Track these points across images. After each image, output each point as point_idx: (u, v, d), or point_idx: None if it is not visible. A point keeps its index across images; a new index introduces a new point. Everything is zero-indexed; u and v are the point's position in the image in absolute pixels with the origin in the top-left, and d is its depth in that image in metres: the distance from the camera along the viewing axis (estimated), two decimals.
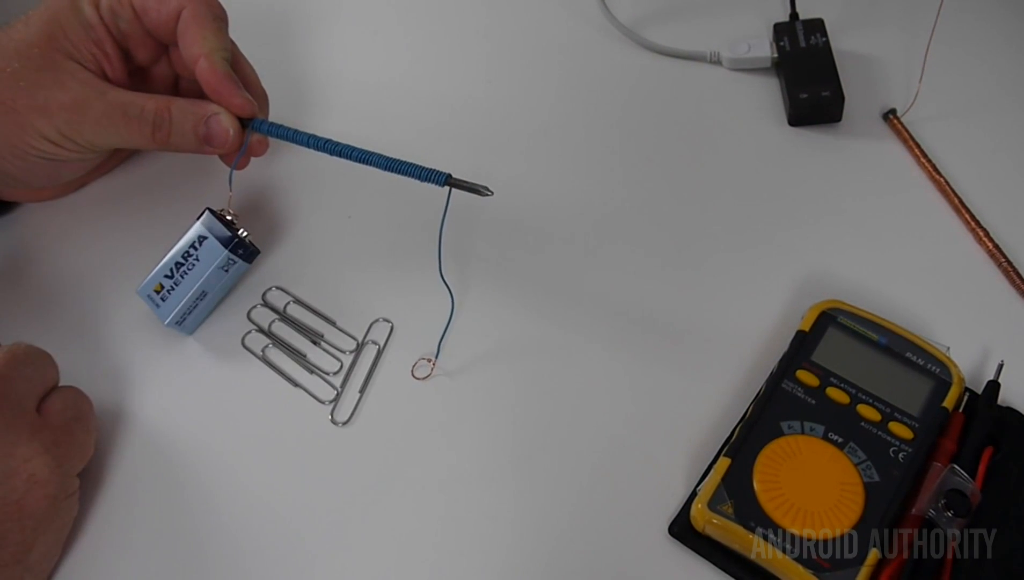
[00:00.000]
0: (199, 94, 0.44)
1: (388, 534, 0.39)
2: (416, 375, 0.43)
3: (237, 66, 0.46)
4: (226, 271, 0.44)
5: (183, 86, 0.48)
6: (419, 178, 0.40)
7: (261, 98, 0.47)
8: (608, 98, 0.54)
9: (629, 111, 0.53)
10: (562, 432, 0.41)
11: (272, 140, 0.45)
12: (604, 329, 0.44)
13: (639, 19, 0.56)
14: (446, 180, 0.40)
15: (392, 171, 0.41)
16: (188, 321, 0.44)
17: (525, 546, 0.39)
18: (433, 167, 0.40)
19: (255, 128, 0.44)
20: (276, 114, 0.48)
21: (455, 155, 0.51)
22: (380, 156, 0.41)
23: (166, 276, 0.44)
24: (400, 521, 0.39)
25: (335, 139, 0.42)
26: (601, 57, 0.55)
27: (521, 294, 0.46)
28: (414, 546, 0.39)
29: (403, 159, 0.41)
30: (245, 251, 0.44)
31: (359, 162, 0.42)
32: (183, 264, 0.43)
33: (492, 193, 0.40)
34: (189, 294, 0.43)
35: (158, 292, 0.44)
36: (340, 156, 0.42)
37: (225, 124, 0.43)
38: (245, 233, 0.44)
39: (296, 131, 0.43)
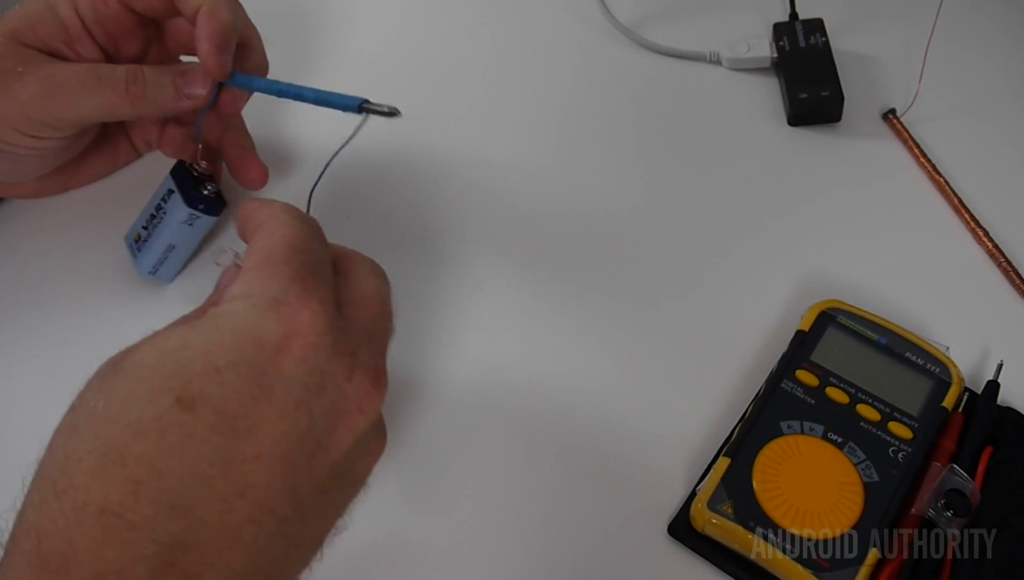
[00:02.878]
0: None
1: (387, 534, 0.39)
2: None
3: (242, 28, 0.44)
4: (190, 225, 0.44)
5: (169, 129, 0.47)
6: (335, 105, 0.39)
7: (260, 69, 0.46)
8: (607, 98, 0.54)
9: (628, 111, 0.53)
10: (561, 431, 0.41)
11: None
12: (603, 328, 0.44)
13: (639, 19, 0.56)
14: (360, 105, 0.39)
15: (308, 101, 0.40)
16: (161, 271, 0.45)
17: (524, 546, 0.39)
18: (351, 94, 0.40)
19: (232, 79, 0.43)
20: None
21: (455, 155, 0.51)
22: (297, 87, 0.41)
23: (143, 226, 0.44)
24: (399, 520, 0.39)
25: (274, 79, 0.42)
26: (601, 57, 0.55)
27: (519, 293, 0.46)
28: (412, 545, 0.39)
29: (318, 88, 0.40)
30: (208, 205, 0.44)
31: (294, 98, 0.41)
32: (155, 216, 0.44)
33: (400, 114, 0.38)
34: (159, 246, 0.44)
35: (137, 241, 0.45)
36: (281, 95, 0.41)
37: (202, 73, 0.42)
38: (211, 188, 0.44)
39: (253, 78, 0.43)
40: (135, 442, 0.27)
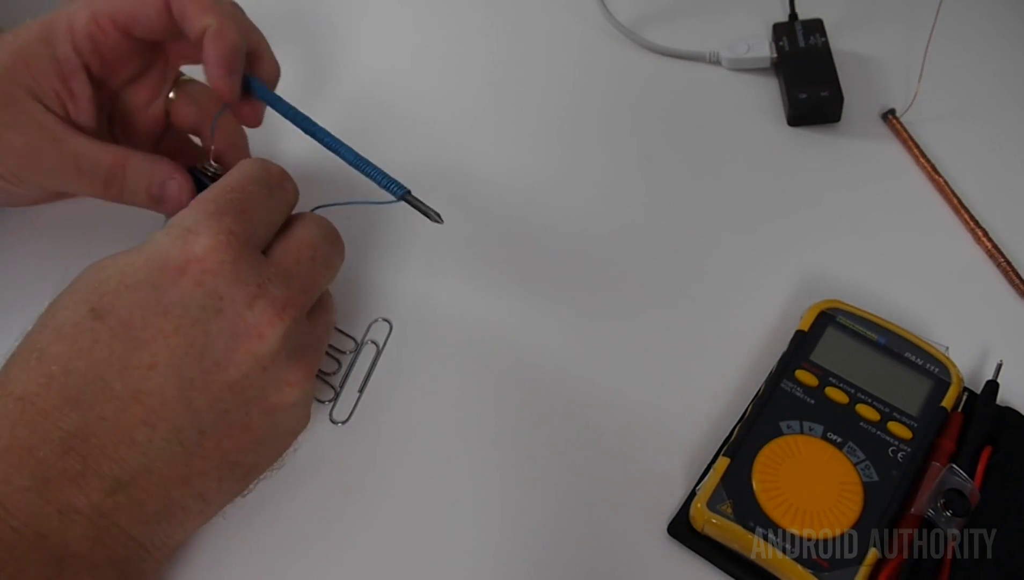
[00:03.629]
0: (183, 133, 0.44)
1: (387, 533, 0.39)
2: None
3: (247, 36, 0.43)
4: None
5: (169, 134, 0.46)
6: (378, 182, 0.40)
7: (272, 76, 0.45)
8: (607, 98, 0.54)
9: (628, 111, 0.53)
10: (561, 431, 0.41)
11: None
12: (603, 328, 0.44)
13: (639, 19, 0.56)
14: (402, 195, 0.40)
15: (356, 167, 0.40)
16: None
17: (524, 545, 0.39)
18: (396, 178, 0.40)
19: (252, 88, 0.42)
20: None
21: (454, 154, 0.51)
22: (349, 149, 0.40)
23: None
24: (399, 520, 0.39)
25: (315, 120, 0.42)
26: (600, 57, 0.56)
27: (519, 293, 0.46)
28: (412, 545, 0.39)
29: (370, 160, 0.40)
30: None
31: (329, 149, 0.41)
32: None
33: (442, 221, 0.40)
34: None
35: None
36: (313, 137, 0.41)
37: (178, 190, 0.41)
38: None
39: (281, 100, 0.42)
40: (54, 343, 0.32)
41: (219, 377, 0.33)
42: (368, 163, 0.40)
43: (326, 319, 0.38)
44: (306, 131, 0.41)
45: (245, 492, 0.36)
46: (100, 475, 0.31)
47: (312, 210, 0.40)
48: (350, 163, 0.40)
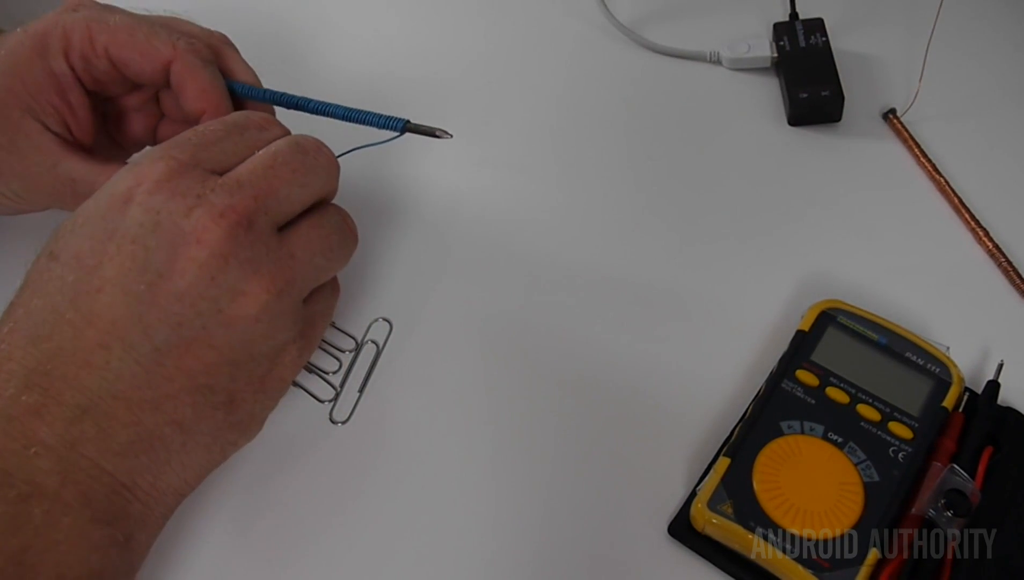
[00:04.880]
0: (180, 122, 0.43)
1: (387, 533, 0.39)
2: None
3: (238, 75, 0.44)
4: None
5: (162, 128, 0.46)
6: (376, 125, 0.39)
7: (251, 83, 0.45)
8: (607, 98, 0.54)
9: (628, 111, 0.53)
10: (561, 431, 0.41)
11: None
12: (602, 328, 0.44)
13: (639, 19, 0.56)
14: (404, 127, 0.39)
15: (351, 119, 0.40)
16: None
17: (524, 545, 0.39)
18: (391, 114, 0.40)
19: (236, 92, 0.43)
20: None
21: (454, 154, 0.51)
22: (338, 106, 0.40)
23: None
24: (399, 520, 0.39)
25: (293, 93, 0.42)
26: (601, 57, 0.55)
27: (519, 293, 0.46)
28: (412, 545, 0.39)
29: (360, 108, 0.40)
30: None
31: (317, 113, 0.41)
32: None
33: (452, 136, 0.39)
34: None
35: None
36: (300, 108, 0.41)
37: None
38: None
39: (260, 90, 0.42)
40: (20, 294, 0.34)
41: (164, 288, 0.32)
42: (361, 111, 0.40)
43: (308, 238, 0.36)
44: (291, 106, 0.41)
45: (248, 432, 0.36)
46: (61, 403, 0.31)
47: None
48: (343, 117, 0.40)
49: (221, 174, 0.35)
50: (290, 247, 0.35)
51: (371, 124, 0.39)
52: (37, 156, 0.40)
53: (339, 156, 0.39)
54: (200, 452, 0.35)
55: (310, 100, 0.41)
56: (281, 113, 0.42)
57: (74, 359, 0.32)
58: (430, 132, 0.39)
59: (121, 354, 0.32)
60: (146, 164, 0.34)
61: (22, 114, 0.39)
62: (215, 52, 0.42)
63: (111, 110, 0.44)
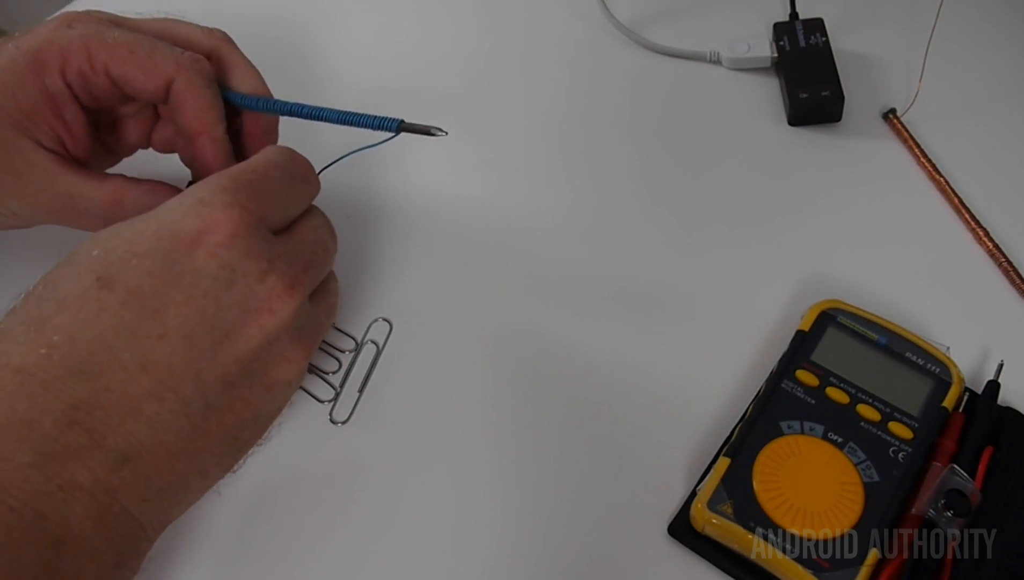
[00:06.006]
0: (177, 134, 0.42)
1: (386, 533, 0.39)
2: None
3: (240, 76, 0.43)
4: None
5: (157, 131, 0.45)
6: (371, 127, 0.39)
7: (254, 89, 0.44)
8: (607, 98, 0.54)
9: (628, 111, 0.53)
10: (561, 431, 0.41)
11: None
12: (603, 328, 0.44)
13: (639, 19, 0.56)
14: (399, 126, 0.39)
15: (345, 122, 0.40)
16: None
17: (524, 546, 0.39)
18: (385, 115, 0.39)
19: (232, 102, 0.42)
20: None
21: (454, 155, 0.51)
22: (332, 110, 0.40)
23: None
24: (399, 520, 0.39)
25: (287, 101, 0.41)
26: (601, 57, 0.55)
27: (519, 293, 0.46)
28: (412, 545, 0.39)
29: (353, 110, 0.40)
30: None
31: (311, 119, 0.41)
32: None
33: (446, 133, 0.39)
34: None
35: None
36: (294, 115, 0.41)
37: None
38: None
39: (257, 99, 0.42)
40: (58, 314, 0.31)
41: (229, 349, 0.32)
42: (355, 114, 0.40)
43: (328, 302, 0.38)
44: (285, 114, 0.41)
45: (235, 468, 0.35)
46: (106, 449, 0.30)
47: (317, 172, 0.39)
48: (338, 121, 0.40)
49: (277, 232, 0.35)
50: (318, 310, 0.36)
51: (366, 126, 0.39)
52: (33, 175, 0.39)
53: (336, 161, 0.40)
54: (205, 489, 0.35)
55: (304, 106, 0.41)
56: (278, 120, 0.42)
57: (123, 403, 0.30)
58: (425, 131, 0.39)
59: (173, 407, 0.31)
60: (218, 208, 0.33)
61: (16, 134, 0.39)
62: (216, 54, 0.42)
63: (105, 118, 0.43)
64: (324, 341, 0.44)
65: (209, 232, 0.32)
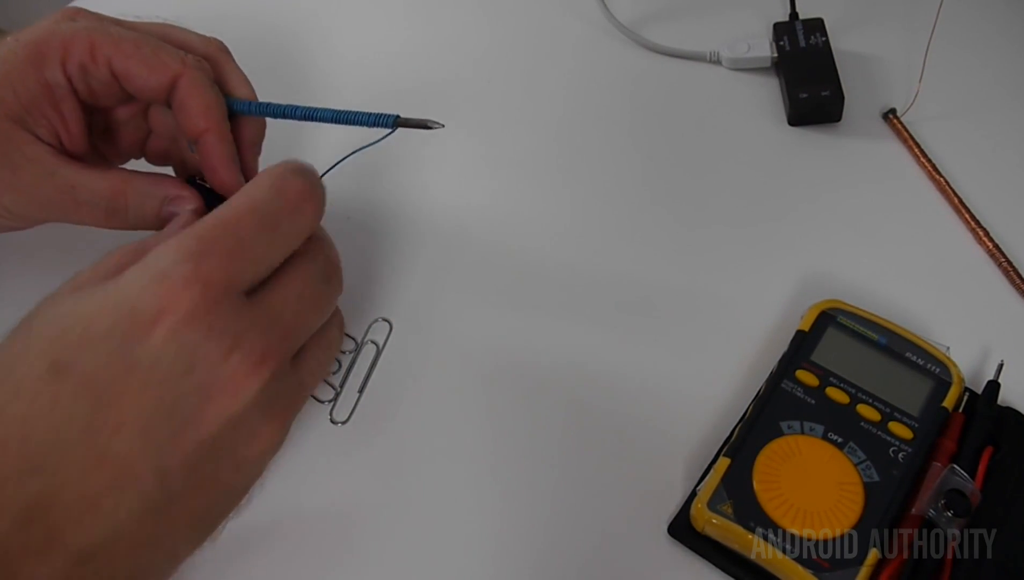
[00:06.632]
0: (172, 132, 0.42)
1: (386, 533, 0.39)
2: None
3: (233, 86, 0.42)
4: None
5: (151, 143, 0.44)
6: (366, 124, 0.38)
7: (246, 96, 0.43)
8: (607, 98, 0.54)
9: (628, 111, 0.53)
10: (561, 432, 0.41)
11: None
12: (603, 329, 0.44)
13: (639, 19, 0.56)
14: (395, 122, 0.38)
15: (340, 121, 0.39)
16: None
17: (524, 546, 0.39)
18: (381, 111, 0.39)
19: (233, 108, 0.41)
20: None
21: (454, 155, 0.51)
22: (326, 109, 0.39)
23: None
24: (399, 520, 0.39)
25: (279, 102, 0.41)
26: (601, 57, 0.55)
27: (519, 293, 0.46)
28: (412, 545, 0.39)
29: (348, 109, 0.39)
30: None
31: (306, 120, 0.40)
32: None
33: (443, 125, 0.38)
34: None
35: None
36: (287, 117, 0.40)
37: (189, 208, 0.39)
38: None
39: (249, 103, 0.41)
40: (12, 403, 0.29)
41: (190, 436, 0.30)
42: (350, 112, 0.39)
43: (320, 358, 0.35)
44: (279, 116, 0.40)
45: (215, 537, 0.33)
46: (64, 546, 0.28)
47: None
48: (333, 120, 0.39)
49: (253, 288, 0.32)
50: (300, 373, 0.33)
51: (362, 124, 0.39)
52: (31, 167, 0.38)
53: (336, 164, 0.39)
54: (177, 567, 0.33)
55: (297, 107, 0.40)
56: (272, 122, 0.42)
57: (81, 500, 0.29)
58: (422, 124, 0.38)
59: (133, 500, 0.29)
60: (178, 283, 0.30)
61: (13, 126, 0.38)
62: (212, 61, 0.41)
63: (99, 122, 0.43)
64: None
65: (168, 311, 0.30)
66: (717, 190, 0.49)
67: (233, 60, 0.43)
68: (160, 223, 0.40)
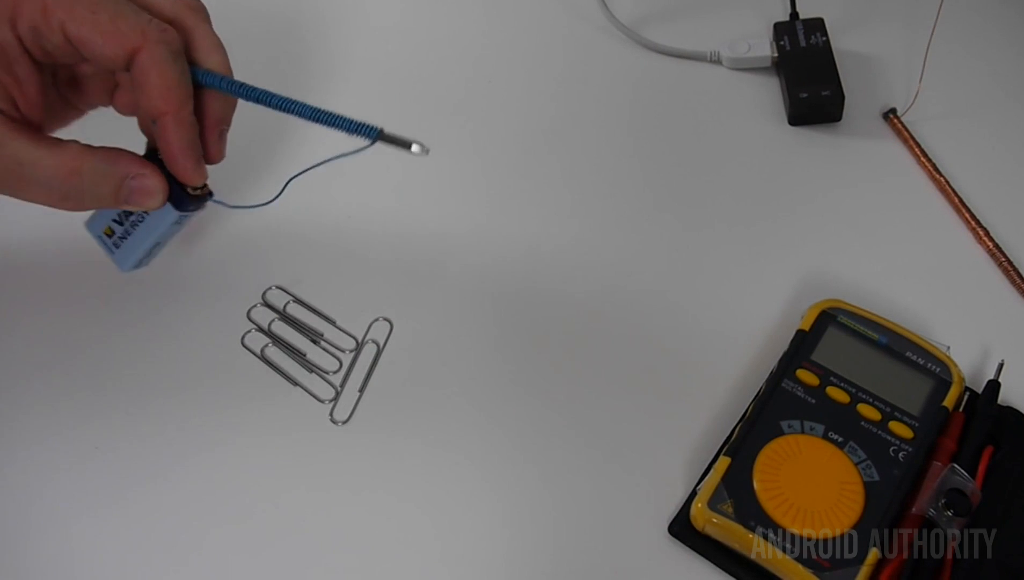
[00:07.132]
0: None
1: (387, 533, 0.39)
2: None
3: (204, 53, 0.38)
4: (179, 224, 0.40)
5: (119, 95, 0.41)
6: (347, 131, 0.36)
7: (217, 66, 0.39)
8: (608, 98, 0.54)
9: (629, 111, 0.53)
10: (561, 432, 0.41)
11: None
12: (603, 328, 0.44)
13: (639, 19, 0.56)
14: (377, 136, 0.35)
15: (319, 121, 0.36)
16: (143, 262, 0.42)
17: (525, 545, 0.39)
18: (365, 121, 0.36)
19: (200, 80, 0.38)
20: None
21: (454, 153, 0.51)
22: (306, 106, 0.36)
23: (115, 221, 0.40)
24: (399, 520, 0.39)
25: (261, 87, 0.37)
26: (601, 57, 0.55)
27: (519, 292, 0.46)
28: (413, 545, 0.39)
29: (332, 111, 0.36)
30: (197, 203, 0.40)
31: (281, 111, 0.37)
32: (131, 214, 0.40)
33: (428, 151, 0.35)
34: (144, 245, 0.40)
35: (109, 236, 0.41)
36: (260, 103, 0.37)
37: (152, 185, 0.37)
38: (198, 189, 0.39)
39: (222, 78, 0.38)
40: None
41: None
42: (331, 114, 0.36)
43: None
44: (253, 99, 0.37)
45: None
46: None
47: (288, 180, 0.38)
48: (311, 118, 0.36)
49: None
50: None
51: (341, 129, 0.36)
52: None
53: (307, 169, 0.37)
54: None
55: (273, 95, 0.37)
56: (246, 107, 0.39)
57: None
58: (406, 144, 0.35)
59: None
60: None
61: None
62: (180, 23, 0.38)
63: (63, 74, 0.40)
64: (325, 340, 0.44)
65: None
66: (717, 190, 0.49)
67: (207, 22, 0.39)
68: (118, 202, 0.38)
